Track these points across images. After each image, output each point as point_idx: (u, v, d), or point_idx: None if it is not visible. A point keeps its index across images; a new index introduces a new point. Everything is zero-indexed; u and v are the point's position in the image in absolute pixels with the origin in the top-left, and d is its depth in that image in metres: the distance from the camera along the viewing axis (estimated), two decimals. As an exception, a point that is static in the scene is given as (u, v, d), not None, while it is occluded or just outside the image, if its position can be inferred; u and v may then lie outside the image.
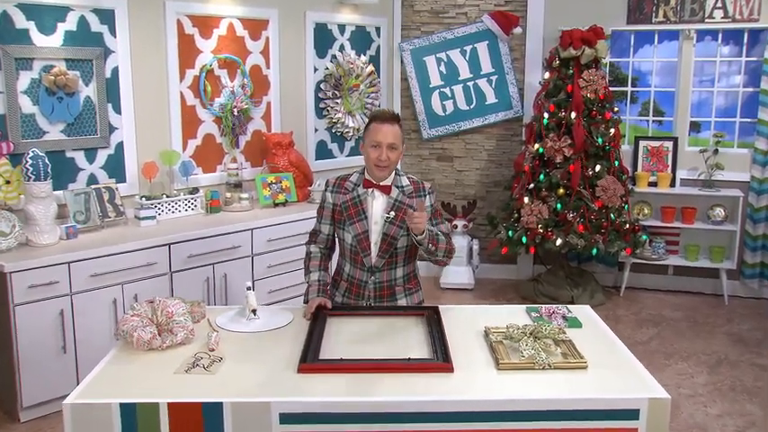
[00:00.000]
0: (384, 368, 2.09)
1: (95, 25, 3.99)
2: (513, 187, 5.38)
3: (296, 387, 2.01)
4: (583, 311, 2.69)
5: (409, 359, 2.15)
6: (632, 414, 1.95)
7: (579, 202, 4.99)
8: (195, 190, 4.45)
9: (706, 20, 5.34)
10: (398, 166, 2.83)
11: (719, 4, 5.30)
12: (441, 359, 2.14)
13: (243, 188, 4.72)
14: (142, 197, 4.17)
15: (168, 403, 1.92)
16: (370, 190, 2.71)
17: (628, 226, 5.05)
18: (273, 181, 4.73)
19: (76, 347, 3.54)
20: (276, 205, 4.67)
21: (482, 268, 5.91)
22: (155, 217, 4.12)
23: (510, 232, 5.14)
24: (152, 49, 4.27)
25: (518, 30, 5.65)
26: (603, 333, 2.50)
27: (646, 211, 5.61)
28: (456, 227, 5.68)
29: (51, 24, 3.80)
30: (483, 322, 2.48)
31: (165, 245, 3.84)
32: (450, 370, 2.10)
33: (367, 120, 2.76)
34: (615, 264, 5.73)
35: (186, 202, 4.37)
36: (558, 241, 4.91)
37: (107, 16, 4.03)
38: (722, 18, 5.31)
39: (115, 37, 4.07)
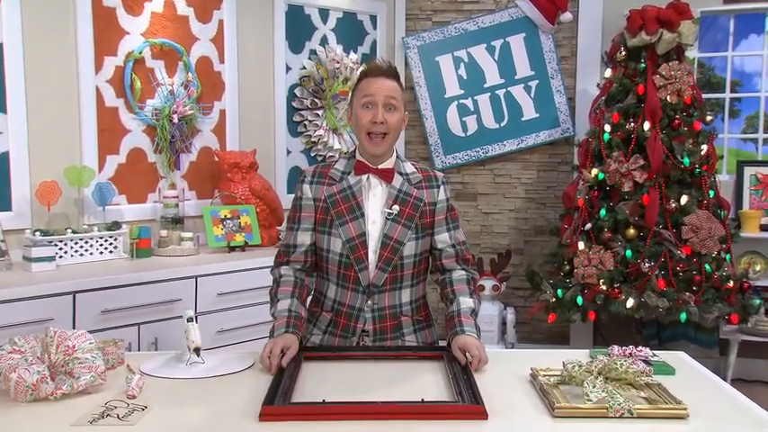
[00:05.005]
0: (387, 413, 1.97)
1: (-32, -15, 4.01)
2: (563, 229, 5.31)
3: (256, 437, 1.89)
4: (676, 357, 2.61)
5: (423, 401, 2.02)
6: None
7: (658, 248, 4.91)
8: (116, 225, 4.37)
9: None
10: (401, 156, 2.81)
11: None
12: (468, 401, 2.01)
13: (185, 225, 4.68)
14: (36, 231, 4.07)
15: (62, 458, 1.78)
16: (365, 177, 2.69)
17: (732, 283, 4.94)
18: (228, 216, 4.67)
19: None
20: (232, 249, 4.62)
21: (520, 348, 5.76)
22: (53, 259, 4.01)
23: (559, 292, 5.04)
24: (54, 24, 4.26)
25: (567, 16, 5.74)
26: (710, 380, 2.42)
27: (758, 267, 5.54)
28: (483, 289, 5.58)
29: None
30: (527, 366, 2.40)
31: (69, 293, 3.72)
32: (483, 416, 1.97)
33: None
34: (715, 343, 5.60)
35: (102, 240, 4.28)
36: (630, 302, 4.79)
37: (-15, -27, 4.06)
38: None
39: (-3, 2, 4.09)
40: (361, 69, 2.74)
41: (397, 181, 2.70)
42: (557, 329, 5.83)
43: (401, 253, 2.65)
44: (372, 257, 2.65)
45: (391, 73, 2.68)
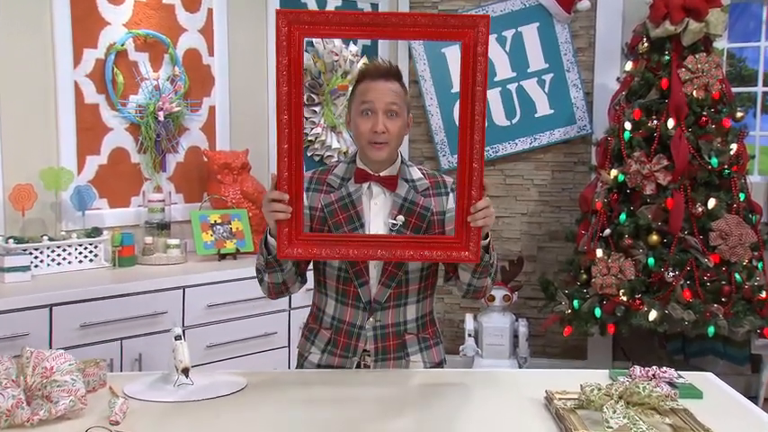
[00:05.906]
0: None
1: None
2: (580, 235, 5.31)
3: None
4: (703, 378, 2.61)
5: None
6: None
7: (684, 256, 4.90)
8: (96, 231, 4.38)
9: None
10: (405, 155, 2.80)
11: None
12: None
13: (171, 231, 4.68)
14: (9, 239, 4.08)
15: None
16: (365, 185, 2.69)
17: (764, 294, 4.93)
18: (218, 221, 4.68)
19: None
20: (222, 257, 4.63)
21: (533, 364, 5.75)
22: (29, 268, 4.02)
23: (576, 303, 5.04)
24: (29, 13, 4.25)
25: (584, 4, 5.73)
26: (741, 405, 2.42)
27: (794, 277, 5.51)
28: (493, 299, 5.57)
29: None
30: (542, 388, 2.40)
31: (45, 306, 3.73)
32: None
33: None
34: (746, 359, 5.57)
35: (81, 248, 4.29)
36: (653, 314, 4.78)
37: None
38: None
39: (-35, -11, 4.10)
40: (359, 69, 2.74)
41: (402, 189, 2.69)
42: (573, 343, 5.81)
43: (406, 267, 2.65)
44: (374, 272, 2.65)
45: (392, 74, 2.66)
